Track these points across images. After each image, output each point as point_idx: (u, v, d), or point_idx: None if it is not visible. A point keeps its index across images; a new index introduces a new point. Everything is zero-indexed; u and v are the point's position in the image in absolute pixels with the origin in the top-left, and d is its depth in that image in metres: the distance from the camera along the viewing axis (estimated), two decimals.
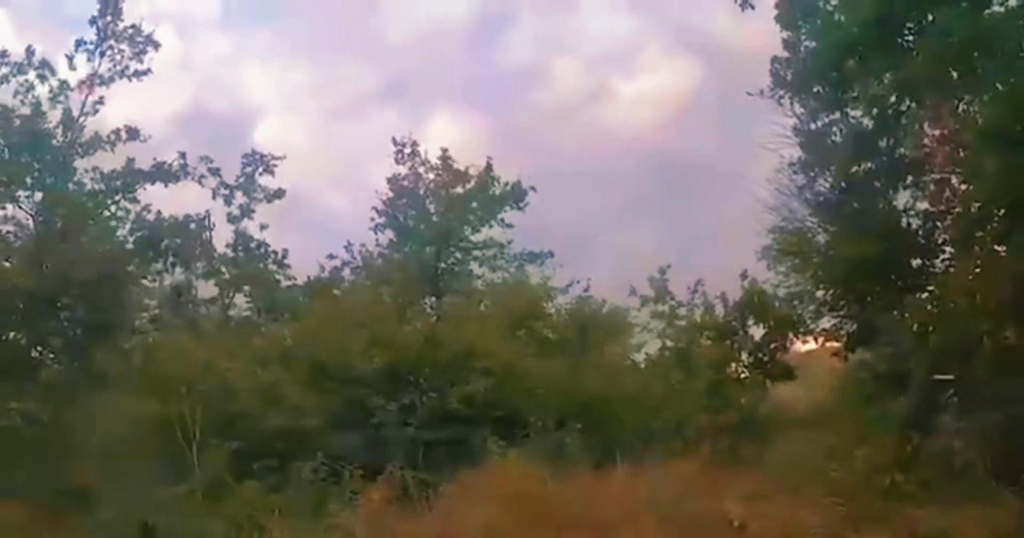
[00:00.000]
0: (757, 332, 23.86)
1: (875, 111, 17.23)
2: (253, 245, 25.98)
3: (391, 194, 28.39)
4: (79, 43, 23.72)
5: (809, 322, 22.70)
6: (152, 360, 17.90)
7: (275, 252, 26.08)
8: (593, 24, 40.14)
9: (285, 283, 25.78)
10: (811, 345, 23.39)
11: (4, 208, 22.65)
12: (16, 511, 12.41)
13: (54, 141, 23.22)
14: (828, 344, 21.76)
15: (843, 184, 19.55)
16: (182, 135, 33.61)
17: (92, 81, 23.65)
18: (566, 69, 40.38)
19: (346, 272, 27.37)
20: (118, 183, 24.13)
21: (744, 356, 23.73)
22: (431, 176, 28.38)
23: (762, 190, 20.78)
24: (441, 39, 38.73)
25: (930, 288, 18.29)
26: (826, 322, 21.85)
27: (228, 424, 14.91)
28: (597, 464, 14.51)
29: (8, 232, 22.47)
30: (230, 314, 25.22)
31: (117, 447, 15.00)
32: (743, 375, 23.35)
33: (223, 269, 25.74)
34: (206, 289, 25.42)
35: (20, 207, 22.80)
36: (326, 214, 35.60)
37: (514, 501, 11.09)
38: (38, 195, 22.99)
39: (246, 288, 25.42)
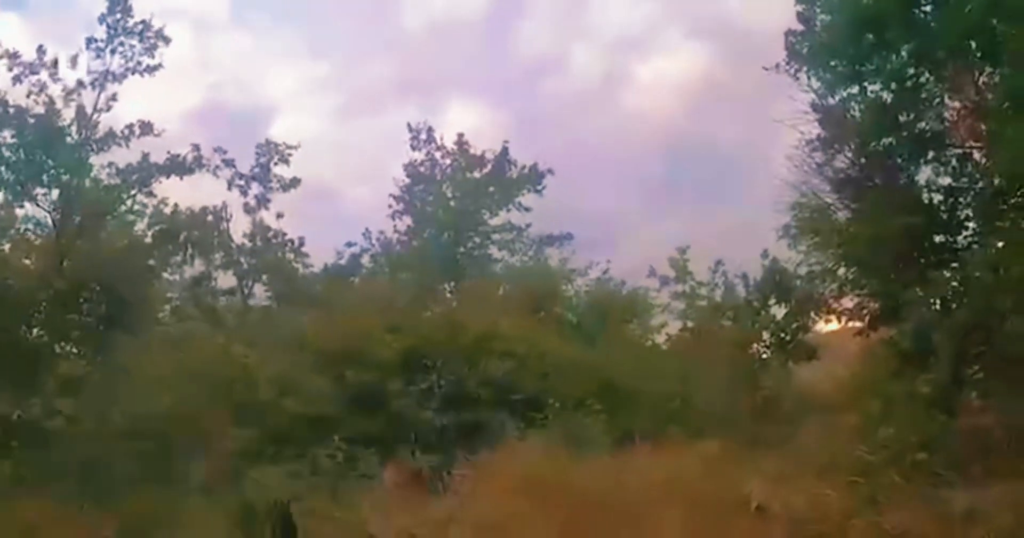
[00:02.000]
0: (779, 312, 23.77)
1: (894, 85, 16.87)
2: (270, 234, 25.98)
3: (408, 180, 28.50)
4: (89, 41, 23.70)
5: (831, 301, 22.50)
6: (172, 351, 17.86)
7: (292, 240, 26.03)
8: (608, 9, 39.91)
9: (303, 271, 25.79)
10: (833, 325, 23.18)
11: (22, 206, 22.73)
12: (34, 506, 12.28)
13: (68, 138, 23.24)
14: (850, 325, 21.54)
15: (863, 160, 19.27)
16: (199, 131, 34.03)
17: (104, 78, 23.68)
18: (582, 55, 40.22)
19: (365, 259, 27.44)
20: (134, 177, 24.11)
21: (766, 336, 23.60)
22: (447, 161, 28.41)
23: (781, 168, 20.60)
24: (457, 28, 38.59)
25: (953, 264, 18.04)
26: (848, 301, 21.64)
27: (248, 411, 14.84)
28: (617, 445, 14.37)
29: (27, 230, 22.57)
30: (250, 304, 25.26)
31: (137, 439, 14.99)
32: (764, 355, 23.20)
33: (241, 259, 25.79)
34: (225, 279, 25.53)
35: (38, 205, 22.74)
36: (344, 204, 35.70)
37: (533, 484, 10.97)
38: (55, 192, 23.02)
39: (264, 277, 25.43)
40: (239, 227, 25.98)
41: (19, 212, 22.67)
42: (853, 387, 17.22)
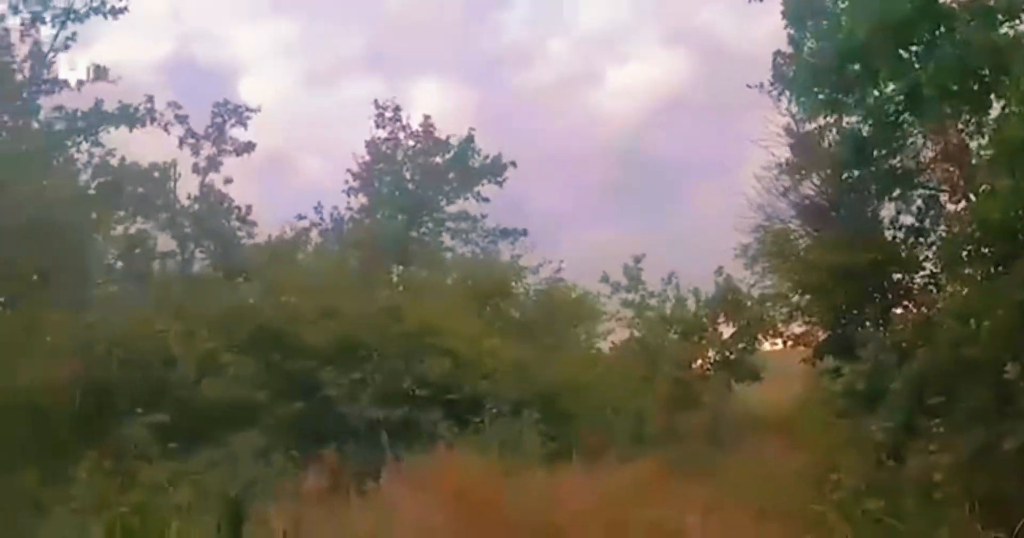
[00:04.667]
0: (727, 330, 23.59)
1: (872, 119, 16.64)
2: (217, 199, 24.99)
3: (368, 158, 27.71)
4: None
5: (780, 325, 22.40)
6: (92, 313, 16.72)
7: (239, 208, 25.04)
8: (590, 7, 39.48)
9: (247, 241, 24.83)
10: (778, 345, 23.09)
11: None
12: None
13: (19, 76, 22.23)
14: (795, 348, 21.44)
15: (830, 189, 19.14)
16: (162, 85, 32.86)
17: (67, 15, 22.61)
18: (558, 51, 39.76)
19: (314, 234, 26.58)
20: (82, 124, 23.16)
21: (711, 354, 23.40)
22: (411, 143, 27.72)
23: (748, 187, 20.43)
24: (435, 7, 37.85)
25: (906, 304, 17.98)
26: (797, 328, 21.56)
27: (160, 392, 13.89)
28: (552, 458, 13.87)
29: None
30: (191, 270, 24.29)
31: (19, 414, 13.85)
32: (708, 373, 22.99)
33: (184, 222, 24.77)
34: (165, 242, 24.41)
35: None
36: (301, 175, 34.86)
37: (460, 496, 10.42)
38: None
39: (206, 243, 24.45)
40: (186, 188, 24.99)
41: None
42: (796, 418, 16.98)
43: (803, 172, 19.07)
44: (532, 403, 16.17)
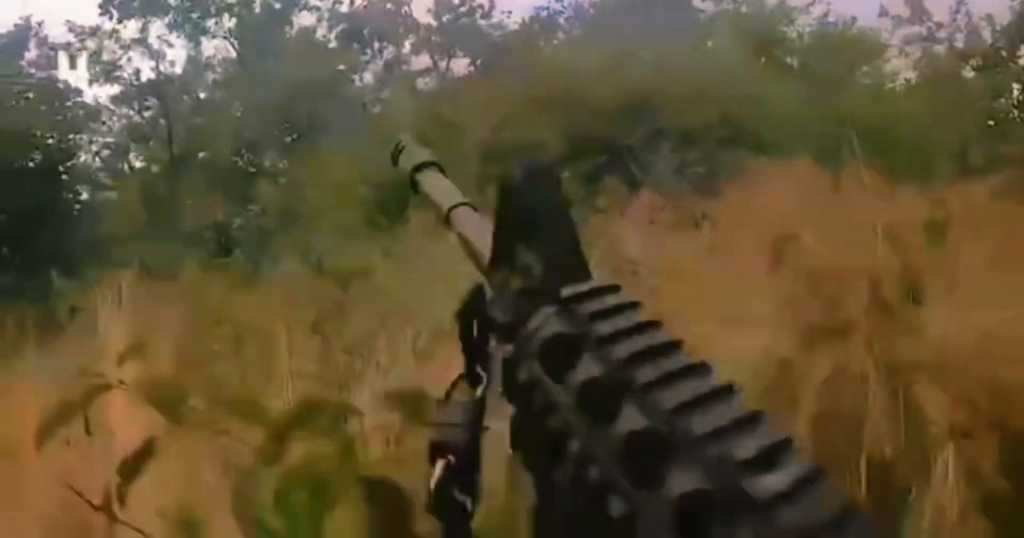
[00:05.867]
0: None
1: None
2: (456, 2, 24.99)
3: None
4: None
5: None
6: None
7: (480, 6, 24.98)
8: None
9: (498, 36, 24.80)
10: None
11: (199, 43, 23.51)
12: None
13: None
14: None
15: None
16: None
17: None
18: None
19: (561, 21, 26.04)
20: None
21: (1016, 89, 21.01)
22: None
23: None
24: None
25: None
26: None
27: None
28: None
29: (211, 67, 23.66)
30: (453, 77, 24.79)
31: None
32: (1013, 114, 20.76)
33: (432, 38, 25.06)
34: (419, 62, 25.21)
35: (212, 36, 23.63)
36: None
37: (799, 204, 9.77)
38: (227, 20, 23.67)
39: (457, 49, 24.68)
40: (422, 6, 25.33)
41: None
42: None
43: None
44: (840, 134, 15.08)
